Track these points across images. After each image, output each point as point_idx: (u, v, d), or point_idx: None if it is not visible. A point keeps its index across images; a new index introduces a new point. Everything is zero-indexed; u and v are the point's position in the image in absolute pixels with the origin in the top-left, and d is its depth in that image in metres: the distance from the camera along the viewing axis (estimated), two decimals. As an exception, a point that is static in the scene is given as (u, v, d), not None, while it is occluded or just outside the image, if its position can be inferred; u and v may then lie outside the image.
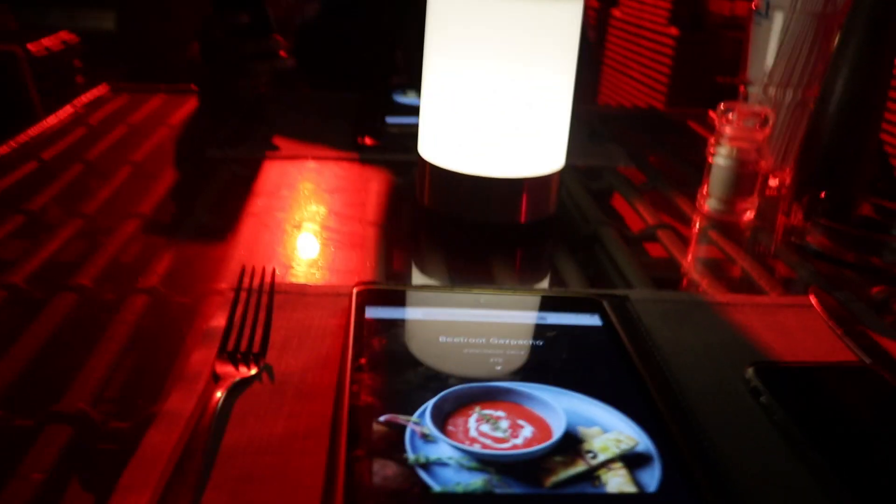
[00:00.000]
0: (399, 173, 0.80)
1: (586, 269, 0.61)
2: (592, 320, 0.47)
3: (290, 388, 0.42)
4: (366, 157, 0.83)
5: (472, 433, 0.36)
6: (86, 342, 0.48)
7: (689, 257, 0.65)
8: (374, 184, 0.77)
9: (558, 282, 0.59)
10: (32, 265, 0.57)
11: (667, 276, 0.62)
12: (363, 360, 0.41)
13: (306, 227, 0.65)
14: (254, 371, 0.43)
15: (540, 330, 0.45)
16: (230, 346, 0.45)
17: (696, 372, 0.46)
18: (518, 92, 0.60)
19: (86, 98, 1.03)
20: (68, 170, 0.77)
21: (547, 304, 0.49)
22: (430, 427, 0.36)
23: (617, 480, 0.34)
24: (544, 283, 0.61)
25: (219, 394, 0.40)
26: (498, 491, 0.33)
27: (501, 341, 0.44)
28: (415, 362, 0.41)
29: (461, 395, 0.39)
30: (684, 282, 0.61)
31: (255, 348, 0.45)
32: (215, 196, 0.72)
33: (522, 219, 0.65)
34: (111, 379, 0.45)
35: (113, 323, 0.50)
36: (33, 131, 0.88)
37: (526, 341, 0.44)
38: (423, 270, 0.60)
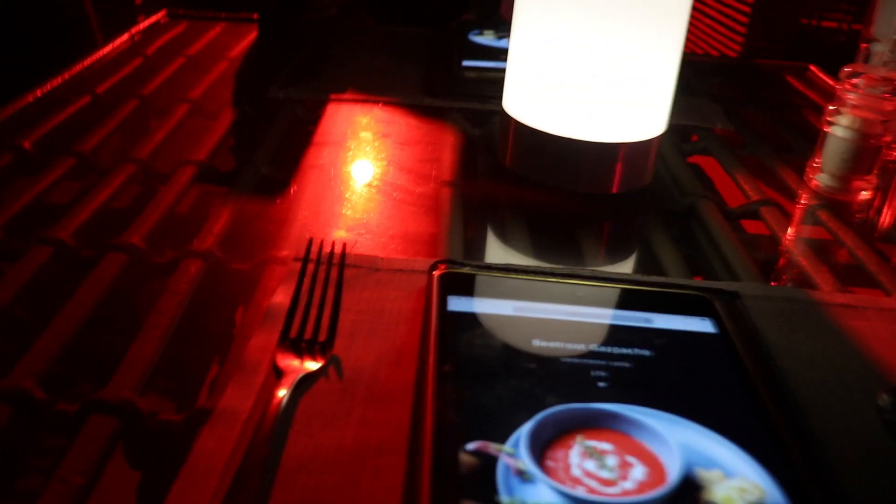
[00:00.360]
0: (476, 124, 0.73)
1: (683, 248, 0.55)
2: (704, 326, 0.41)
3: (360, 388, 0.37)
4: (440, 105, 0.77)
5: (575, 471, 0.31)
6: (135, 314, 0.43)
7: (797, 242, 0.58)
8: (448, 135, 0.70)
9: (652, 263, 0.53)
10: (81, 216, 0.52)
11: (771, 261, 0.55)
12: (447, 367, 0.35)
13: (374, 186, 0.60)
14: (320, 364, 0.38)
15: (647, 336, 0.40)
16: (293, 332, 0.40)
17: (818, 394, 0.40)
18: (620, 49, 0.53)
19: (143, 25, 0.98)
20: (122, 106, 0.72)
21: (653, 302, 0.43)
22: (527, 462, 0.31)
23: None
24: (633, 264, 0.54)
25: (282, 393, 0.36)
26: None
27: (604, 349, 0.38)
28: (506, 372, 0.36)
29: (561, 419, 0.33)
30: (793, 272, 0.54)
31: (322, 337, 0.40)
32: (277, 143, 0.67)
33: (615, 188, 0.59)
34: (161, 361, 0.40)
35: (164, 292, 0.45)
36: (88, 62, 0.83)
37: (631, 350, 0.38)
38: (503, 240, 0.55)
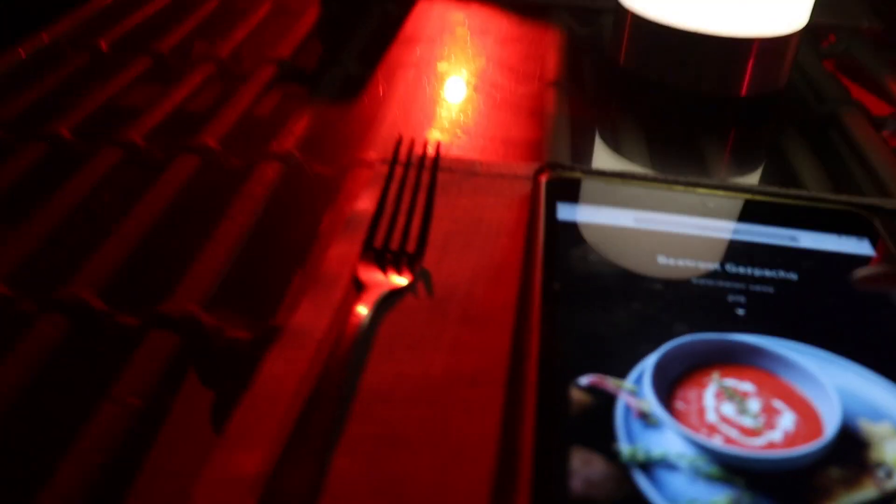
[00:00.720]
0: (584, 23, 0.66)
1: (822, 161, 0.47)
2: (862, 247, 0.34)
3: (453, 308, 0.32)
4: (544, 2, 0.70)
5: (711, 416, 0.25)
6: (206, 221, 0.39)
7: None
8: (553, 35, 0.63)
9: (788, 178, 0.45)
10: (155, 118, 0.48)
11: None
12: (557, 286, 0.30)
13: (472, 85, 0.54)
14: (408, 279, 0.33)
15: (792, 257, 0.33)
16: (378, 242, 0.35)
17: None
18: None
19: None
20: (203, 5, 0.67)
21: (799, 217, 0.36)
22: (652, 401, 0.25)
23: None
24: (766, 178, 0.47)
25: (362, 310, 0.31)
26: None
27: (741, 270, 0.32)
28: (626, 294, 0.30)
29: (693, 351, 0.27)
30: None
31: (411, 248, 0.35)
32: (365, 40, 0.61)
33: (744, 91, 0.51)
34: (231, 273, 0.36)
35: (239, 196, 0.41)
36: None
37: (775, 273, 0.32)
38: (615, 148, 0.48)
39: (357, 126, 0.48)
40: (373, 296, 0.32)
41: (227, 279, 0.36)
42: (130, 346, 0.31)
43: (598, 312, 0.29)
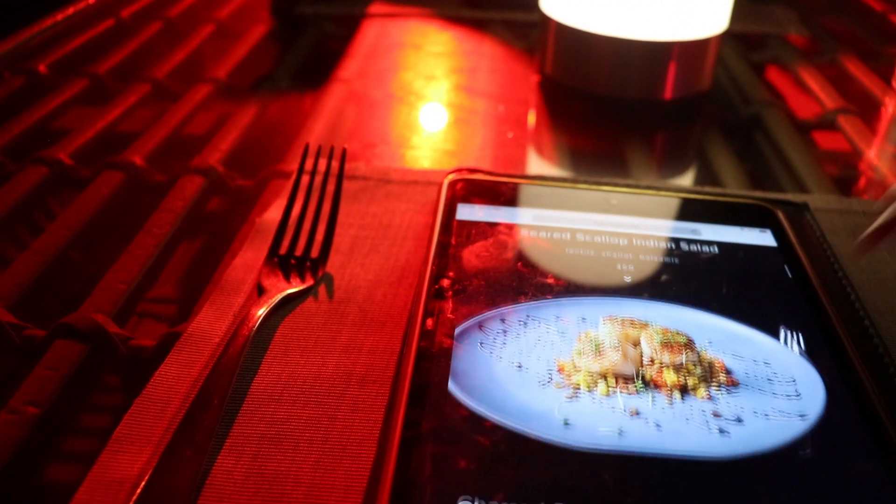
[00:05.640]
0: (519, 36, 0.67)
1: (745, 162, 0.48)
2: (763, 238, 0.35)
3: (352, 310, 0.33)
4: (480, 16, 0.70)
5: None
6: (124, 233, 0.39)
7: (881, 153, 0.50)
8: (487, 47, 0.64)
9: (709, 178, 0.46)
10: (83, 137, 0.49)
11: (851, 176, 0.48)
12: (445, 282, 0.30)
13: (402, 98, 0.54)
14: (308, 284, 0.33)
15: (692, 248, 0.34)
16: (283, 248, 0.35)
17: (893, 317, 0.33)
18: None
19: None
20: (145, 29, 0.68)
21: (701, 211, 0.37)
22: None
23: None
24: (688, 178, 0.48)
25: (258, 312, 0.31)
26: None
27: (639, 258, 0.32)
28: (518, 290, 0.30)
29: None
30: (875, 189, 0.47)
31: (315, 254, 0.35)
32: (302, 59, 0.62)
33: (668, 94, 0.52)
34: (144, 283, 0.36)
35: (156, 211, 0.41)
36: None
37: (673, 260, 0.32)
38: (542, 154, 0.49)
39: (282, 140, 0.49)
40: (269, 298, 0.32)
41: (140, 289, 0.36)
42: (37, 357, 0.32)
43: (488, 309, 0.29)
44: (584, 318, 0.29)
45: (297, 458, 0.26)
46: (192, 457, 0.25)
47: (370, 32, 0.67)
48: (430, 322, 0.28)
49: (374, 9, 0.72)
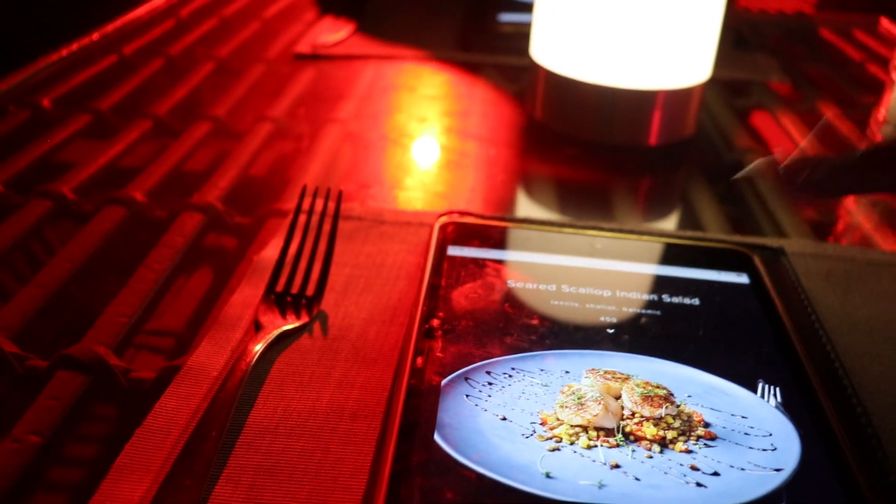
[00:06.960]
0: (511, 79, 0.69)
1: (728, 207, 0.50)
2: (739, 281, 0.36)
3: (345, 347, 0.34)
4: (473, 60, 0.73)
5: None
6: (124, 268, 0.41)
7: (857, 200, 0.52)
8: (479, 90, 0.66)
9: (692, 222, 0.48)
10: (86, 172, 0.50)
11: (828, 221, 0.50)
12: (435, 322, 0.32)
13: (396, 140, 0.56)
14: (303, 321, 0.35)
15: (671, 289, 0.35)
16: (279, 286, 0.37)
17: (868, 359, 0.35)
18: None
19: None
20: (147, 65, 0.70)
21: (680, 256, 0.38)
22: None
23: None
24: (671, 223, 0.50)
25: (255, 348, 0.32)
26: None
27: (620, 300, 0.34)
28: (504, 331, 0.32)
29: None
30: (851, 233, 0.49)
31: (310, 291, 0.37)
32: (298, 98, 0.64)
33: (653, 140, 0.54)
34: (144, 317, 0.38)
35: (156, 246, 0.42)
36: (119, 22, 0.81)
37: (649, 300, 0.34)
38: (531, 197, 0.50)
39: (280, 179, 0.50)
40: (266, 335, 0.33)
41: (140, 322, 0.38)
42: (39, 387, 0.33)
43: (477, 348, 0.30)
44: (567, 371, 0.30)
45: (292, 489, 0.27)
46: (190, 486, 0.27)
47: (366, 73, 0.69)
48: (420, 360, 0.29)
49: (371, 50, 0.74)
